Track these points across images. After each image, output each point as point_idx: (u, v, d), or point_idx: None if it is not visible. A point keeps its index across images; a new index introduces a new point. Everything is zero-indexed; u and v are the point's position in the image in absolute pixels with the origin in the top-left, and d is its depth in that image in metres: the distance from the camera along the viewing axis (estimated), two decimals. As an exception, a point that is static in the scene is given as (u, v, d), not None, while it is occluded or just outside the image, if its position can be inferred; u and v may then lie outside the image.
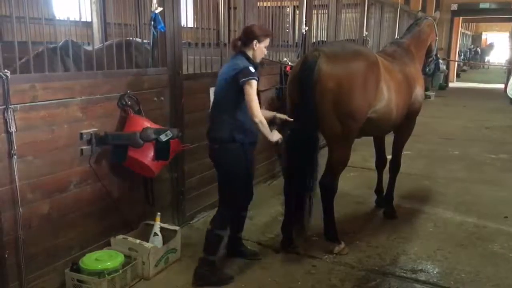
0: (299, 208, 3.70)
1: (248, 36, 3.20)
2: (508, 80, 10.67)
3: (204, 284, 3.25)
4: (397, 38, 4.92)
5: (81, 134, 3.12)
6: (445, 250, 3.80)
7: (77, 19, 3.73)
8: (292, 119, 3.50)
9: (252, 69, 3.08)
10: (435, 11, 5.38)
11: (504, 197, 5.11)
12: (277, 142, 3.22)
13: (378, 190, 4.78)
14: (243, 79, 3.03)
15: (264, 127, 3.13)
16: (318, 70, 3.37)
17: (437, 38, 4.67)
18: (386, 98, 3.69)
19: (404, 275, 3.40)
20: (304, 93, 3.40)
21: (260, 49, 3.23)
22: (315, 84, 3.37)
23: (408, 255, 3.71)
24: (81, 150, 3.13)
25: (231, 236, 3.59)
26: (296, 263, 3.58)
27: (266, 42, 3.25)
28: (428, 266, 3.53)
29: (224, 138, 3.15)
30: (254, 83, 3.05)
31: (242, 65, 3.10)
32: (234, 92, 3.11)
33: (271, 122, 3.45)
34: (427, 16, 4.81)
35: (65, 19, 4.47)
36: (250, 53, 3.20)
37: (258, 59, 3.26)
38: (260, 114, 3.11)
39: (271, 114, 3.57)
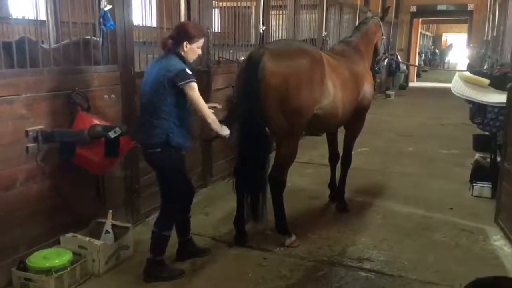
0: (252, 201, 3.79)
1: (179, 36, 3.08)
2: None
3: (155, 280, 3.26)
4: (345, 37, 5.07)
5: (27, 131, 3.09)
6: (391, 240, 3.95)
7: (31, 17, 3.70)
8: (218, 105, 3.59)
9: (188, 71, 3.03)
10: (382, 11, 5.54)
11: (451, 190, 5.34)
12: (224, 137, 3.29)
13: (332, 185, 4.91)
14: (181, 83, 2.97)
15: (217, 124, 3.19)
16: (262, 67, 3.43)
17: (383, 37, 4.83)
18: (332, 94, 3.79)
19: (351, 264, 3.53)
20: (250, 90, 3.46)
21: (192, 50, 3.12)
22: (260, 81, 3.43)
23: (356, 246, 3.84)
24: (27, 147, 3.10)
25: (180, 242, 3.58)
26: (248, 257, 3.65)
27: (200, 42, 3.14)
28: (374, 255, 3.66)
29: (160, 144, 3.07)
30: (194, 85, 3.02)
31: (177, 66, 3.00)
32: (170, 95, 3.02)
33: None
34: (374, 15, 4.96)
35: (21, 17, 4.43)
36: (182, 54, 3.11)
37: (190, 59, 3.17)
38: (211, 114, 3.16)
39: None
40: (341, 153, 4.75)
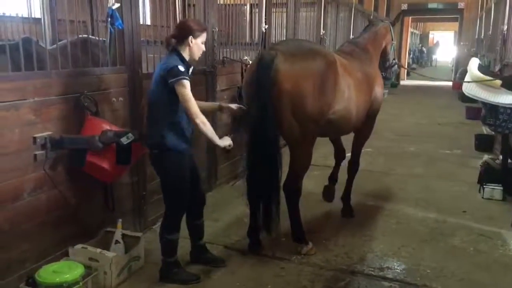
0: (265, 211, 3.61)
1: (183, 32, 3.02)
2: (459, 77, 11.09)
3: (170, 282, 3.22)
4: (353, 38, 4.95)
5: (35, 138, 2.90)
6: (409, 246, 3.85)
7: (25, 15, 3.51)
8: (240, 106, 3.45)
9: (181, 68, 2.92)
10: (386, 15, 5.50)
11: (459, 192, 5.28)
12: (225, 148, 3.09)
13: (332, 177, 4.77)
14: (172, 80, 2.89)
15: (207, 128, 2.97)
16: (275, 70, 3.25)
17: (393, 42, 4.73)
18: (346, 98, 3.63)
19: (372, 273, 3.41)
20: (261, 94, 3.27)
21: (197, 45, 3.05)
22: (272, 85, 3.25)
23: (374, 253, 3.73)
24: (35, 155, 2.91)
25: (192, 245, 3.51)
26: (264, 266, 3.51)
27: (203, 37, 3.08)
28: (394, 263, 3.56)
29: (159, 144, 3.03)
30: (185, 82, 2.90)
31: (171, 64, 2.93)
32: (165, 94, 2.95)
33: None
34: (383, 19, 4.87)
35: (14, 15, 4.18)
36: (185, 51, 3.03)
37: (196, 56, 3.10)
38: (200, 114, 2.95)
39: (213, 105, 3.52)
40: (347, 152, 4.60)
